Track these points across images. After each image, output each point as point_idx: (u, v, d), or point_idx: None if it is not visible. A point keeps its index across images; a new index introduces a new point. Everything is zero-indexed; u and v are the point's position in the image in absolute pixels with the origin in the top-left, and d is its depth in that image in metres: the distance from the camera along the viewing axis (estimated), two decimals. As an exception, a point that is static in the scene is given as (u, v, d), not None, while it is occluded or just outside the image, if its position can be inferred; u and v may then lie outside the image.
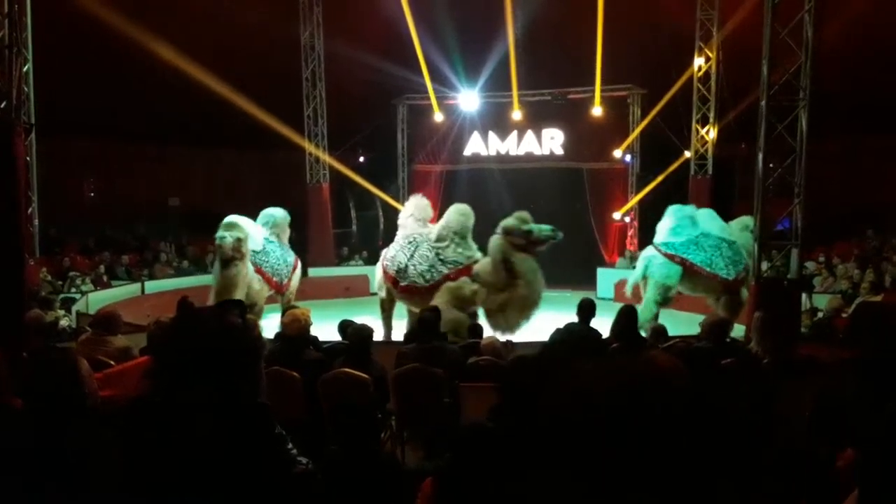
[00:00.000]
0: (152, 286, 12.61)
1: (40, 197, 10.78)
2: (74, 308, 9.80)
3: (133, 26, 11.37)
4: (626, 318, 5.44)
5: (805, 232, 8.60)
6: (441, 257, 8.51)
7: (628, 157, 15.76)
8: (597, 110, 15.24)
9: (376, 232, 17.45)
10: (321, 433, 4.16)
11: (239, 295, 8.08)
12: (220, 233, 8.45)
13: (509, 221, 8.26)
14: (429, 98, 15.49)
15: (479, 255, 8.58)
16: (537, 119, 15.89)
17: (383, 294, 9.15)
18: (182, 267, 14.42)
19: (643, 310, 9.03)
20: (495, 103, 15.84)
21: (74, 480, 1.80)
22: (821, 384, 3.06)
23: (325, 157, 15.63)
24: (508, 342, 6.77)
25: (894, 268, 10.66)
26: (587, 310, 5.85)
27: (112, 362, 4.45)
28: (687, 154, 14.89)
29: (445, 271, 8.41)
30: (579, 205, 15.90)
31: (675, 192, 14.66)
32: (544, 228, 8.33)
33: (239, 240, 8.45)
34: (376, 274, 9.38)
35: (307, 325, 5.17)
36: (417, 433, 5.23)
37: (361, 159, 17.18)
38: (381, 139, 16.85)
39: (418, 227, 8.95)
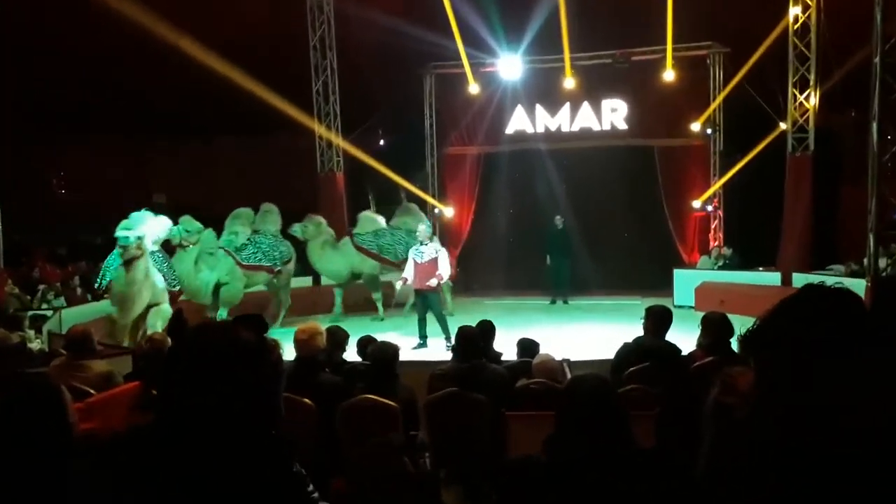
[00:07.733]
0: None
1: (2, 197, 10.92)
2: (45, 327, 9.98)
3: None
4: (718, 327, 5.08)
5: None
6: None
7: (709, 132, 15.61)
8: (668, 75, 15.11)
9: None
10: (336, 469, 4.20)
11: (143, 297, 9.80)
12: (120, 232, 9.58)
13: None
14: (461, 66, 15.51)
15: None
16: (595, 88, 15.82)
17: None
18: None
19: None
20: (543, 70, 15.81)
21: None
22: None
23: (339, 142, 15.75)
24: (565, 361, 6.76)
25: None
26: (660, 319, 5.71)
27: (92, 391, 4.57)
28: (783, 126, 14.67)
29: None
30: (649, 192, 15.79)
31: (768, 172, 14.48)
32: None
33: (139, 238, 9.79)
34: None
35: (323, 342, 5.23)
36: (455, 470, 5.25)
37: (382, 143, 17.29)
38: (404, 118, 16.91)
39: None
